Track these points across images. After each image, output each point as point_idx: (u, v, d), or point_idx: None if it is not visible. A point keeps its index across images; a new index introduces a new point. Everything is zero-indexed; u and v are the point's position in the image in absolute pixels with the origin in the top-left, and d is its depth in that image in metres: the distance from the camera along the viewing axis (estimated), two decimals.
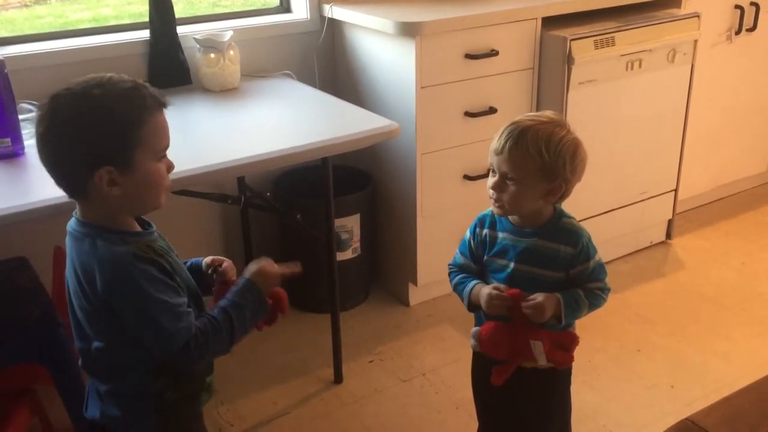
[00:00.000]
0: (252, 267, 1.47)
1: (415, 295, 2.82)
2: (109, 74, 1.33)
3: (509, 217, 1.61)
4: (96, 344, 1.38)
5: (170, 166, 1.40)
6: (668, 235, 3.24)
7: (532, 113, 1.57)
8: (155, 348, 1.34)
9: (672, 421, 1.34)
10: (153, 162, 1.35)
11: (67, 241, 1.39)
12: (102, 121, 1.28)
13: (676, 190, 3.13)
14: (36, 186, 1.85)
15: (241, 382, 2.38)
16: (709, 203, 3.55)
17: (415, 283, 2.74)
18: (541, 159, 1.49)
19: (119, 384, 1.41)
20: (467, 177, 2.65)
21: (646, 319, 2.72)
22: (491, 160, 1.55)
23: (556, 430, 1.75)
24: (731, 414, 1.32)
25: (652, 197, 3.07)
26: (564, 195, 1.56)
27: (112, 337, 1.37)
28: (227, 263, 1.55)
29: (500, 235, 1.61)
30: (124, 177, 1.31)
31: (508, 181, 1.52)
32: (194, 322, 1.35)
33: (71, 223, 1.39)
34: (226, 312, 1.40)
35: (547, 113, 1.57)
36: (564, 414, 1.75)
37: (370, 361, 2.52)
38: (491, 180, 1.55)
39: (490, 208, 1.61)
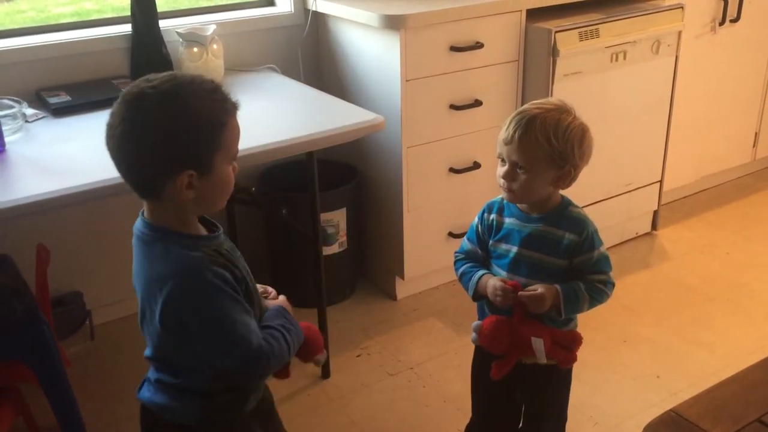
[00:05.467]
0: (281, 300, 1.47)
1: (402, 289, 2.82)
2: (190, 74, 1.28)
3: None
4: (158, 346, 1.35)
5: (236, 169, 1.35)
6: (653, 226, 3.25)
7: (537, 101, 1.57)
8: (219, 362, 1.30)
9: (657, 411, 1.34)
10: (227, 165, 1.31)
11: (135, 243, 1.34)
12: (189, 126, 1.23)
13: (661, 182, 3.14)
14: (18, 183, 1.84)
15: None
16: (694, 194, 3.56)
17: (402, 277, 2.74)
18: (550, 146, 1.50)
19: (175, 379, 1.37)
20: (453, 170, 2.65)
21: (632, 310, 2.73)
22: (500, 149, 1.55)
23: (551, 428, 1.76)
24: (715, 405, 1.32)
25: (638, 188, 3.08)
26: (572, 180, 1.57)
27: (177, 347, 1.33)
28: (273, 294, 1.51)
29: (507, 220, 1.63)
30: (201, 180, 1.27)
31: (518, 170, 1.53)
32: (262, 344, 1.31)
33: (138, 225, 1.33)
34: (281, 333, 1.37)
35: (552, 100, 1.58)
36: (561, 413, 1.75)
37: (358, 356, 2.52)
38: (501, 169, 1.56)
39: (500, 195, 1.63)
